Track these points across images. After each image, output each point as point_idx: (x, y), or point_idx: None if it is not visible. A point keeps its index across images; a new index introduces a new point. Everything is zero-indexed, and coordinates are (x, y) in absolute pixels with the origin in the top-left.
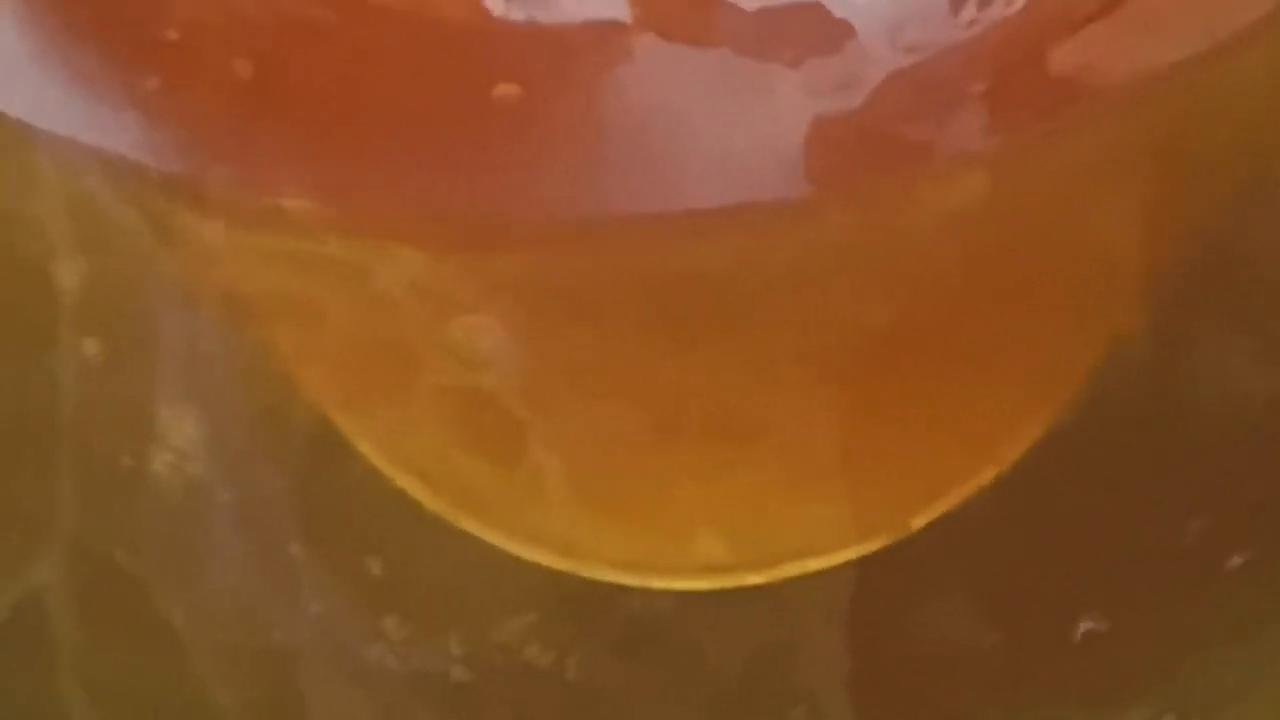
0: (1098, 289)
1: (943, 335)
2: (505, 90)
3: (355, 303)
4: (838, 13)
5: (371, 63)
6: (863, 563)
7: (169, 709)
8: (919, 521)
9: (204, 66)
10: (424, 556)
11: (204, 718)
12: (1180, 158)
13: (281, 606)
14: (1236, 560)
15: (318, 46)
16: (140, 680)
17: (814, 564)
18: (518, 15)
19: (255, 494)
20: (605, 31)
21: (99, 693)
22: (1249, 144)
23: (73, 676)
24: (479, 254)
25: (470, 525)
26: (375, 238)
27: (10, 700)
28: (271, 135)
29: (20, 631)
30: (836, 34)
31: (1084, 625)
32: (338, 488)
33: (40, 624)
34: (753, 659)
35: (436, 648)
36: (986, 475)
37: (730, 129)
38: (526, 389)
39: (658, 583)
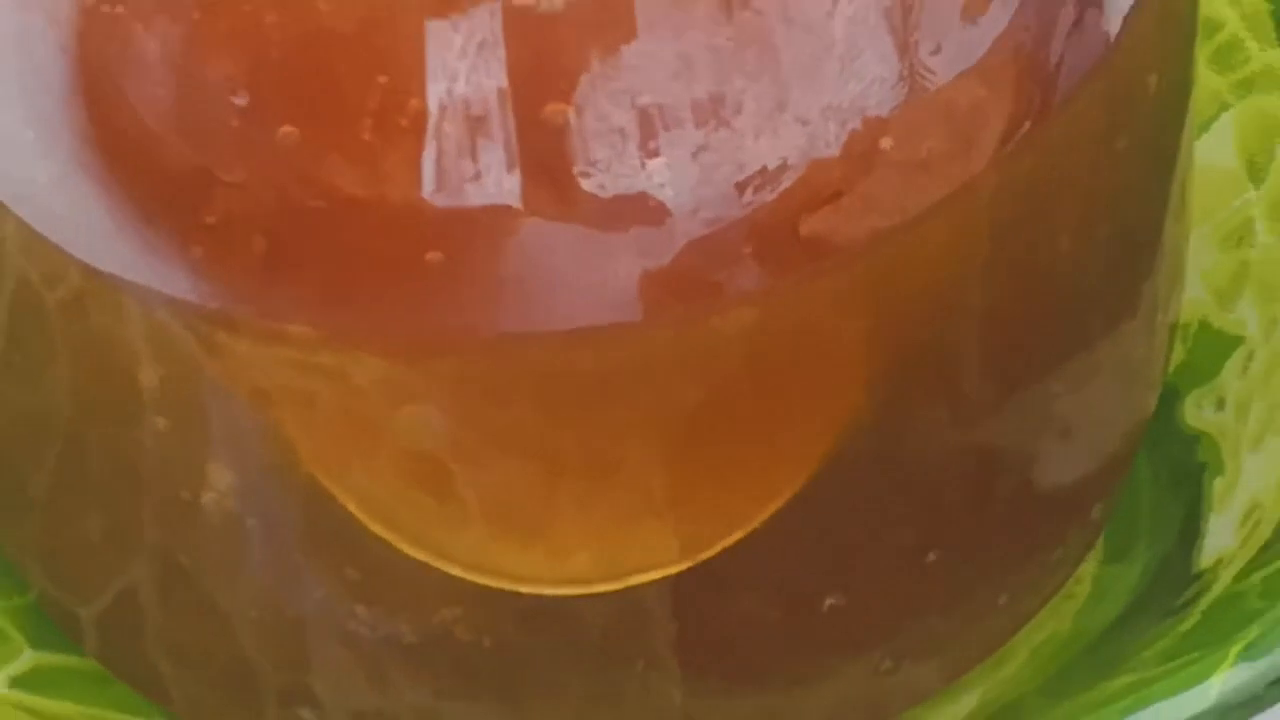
0: (840, 383)
1: (736, 417)
2: (433, 256)
3: (337, 393)
4: (657, 199)
5: (348, 235)
6: (686, 572)
7: (220, 662)
8: (725, 544)
9: (232, 240)
10: (383, 569)
11: (243, 667)
12: (894, 292)
13: (291, 594)
14: (932, 556)
15: (311, 225)
16: (201, 643)
17: (652, 575)
18: (444, 201)
19: (270, 521)
20: (502, 213)
21: (175, 653)
22: (938, 281)
23: (157, 643)
24: (420, 359)
25: (414, 549)
26: (350, 350)
27: (119, 661)
28: (279, 285)
29: (122, 613)
30: (657, 213)
31: (829, 601)
32: (324, 521)
33: (135, 607)
34: (608, 631)
35: (393, 626)
36: (766, 512)
37: (585, 276)
38: (453, 449)
39: (545, 590)
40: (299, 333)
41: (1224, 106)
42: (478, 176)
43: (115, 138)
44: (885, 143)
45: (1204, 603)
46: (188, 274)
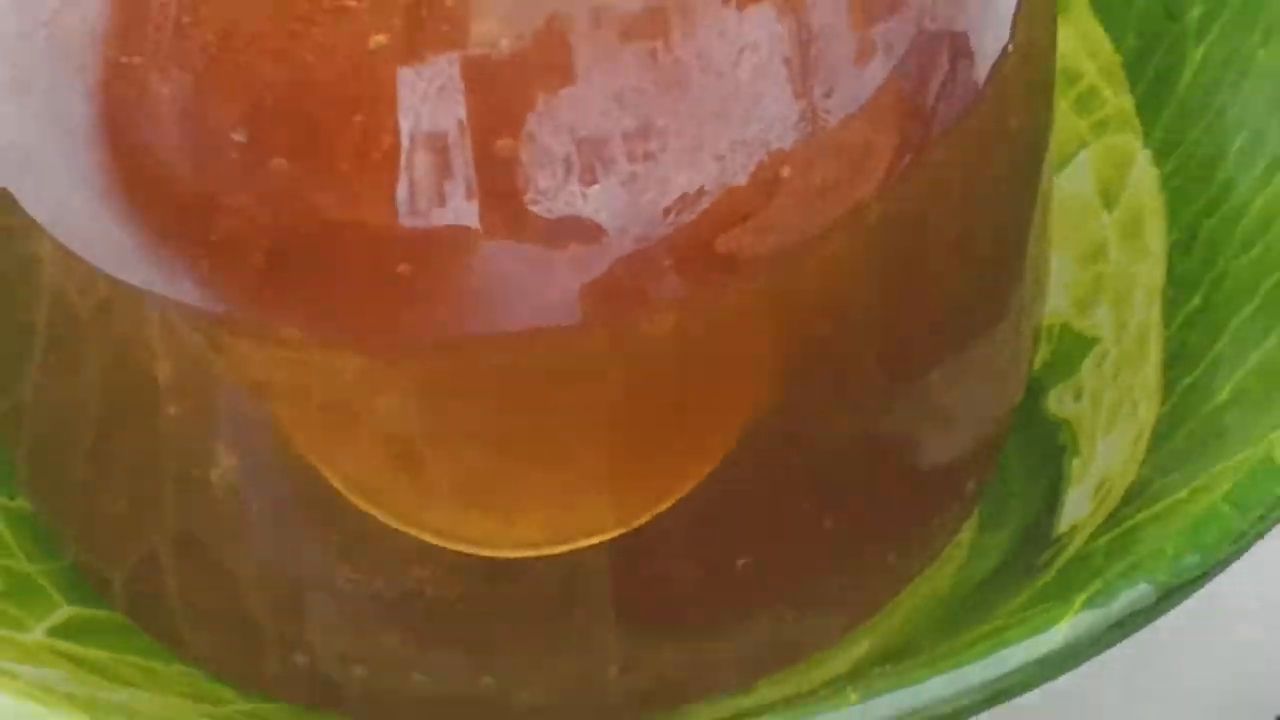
0: (749, 377)
1: (661, 407)
2: (404, 268)
3: (323, 386)
4: (593, 221)
5: (331, 251)
6: (620, 537)
7: (227, 615)
8: (652, 513)
9: (234, 256)
10: (363, 535)
11: (246, 619)
12: (794, 299)
13: (286, 556)
14: (829, 523)
15: (300, 243)
16: (211, 599)
17: (592, 540)
18: (413, 223)
19: (268, 494)
20: (462, 232)
21: (190, 608)
22: (833, 290)
23: (175, 599)
24: (392, 357)
25: (391, 519)
26: (334, 349)
27: (143, 615)
28: (273, 294)
29: (145, 574)
30: (594, 232)
31: (741, 561)
32: (313, 494)
33: (155, 569)
34: (555, 588)
35: (373, 584)
36: (687, 487)
37: (533, 286)
38: (421, 434)
39: (502, 553)
40: (290, 334)
41: (1083, 144)
42: (441, 202)
43: (135, 169)
44: (785, 172)
45: (1059, 561)
46: (196, 284)
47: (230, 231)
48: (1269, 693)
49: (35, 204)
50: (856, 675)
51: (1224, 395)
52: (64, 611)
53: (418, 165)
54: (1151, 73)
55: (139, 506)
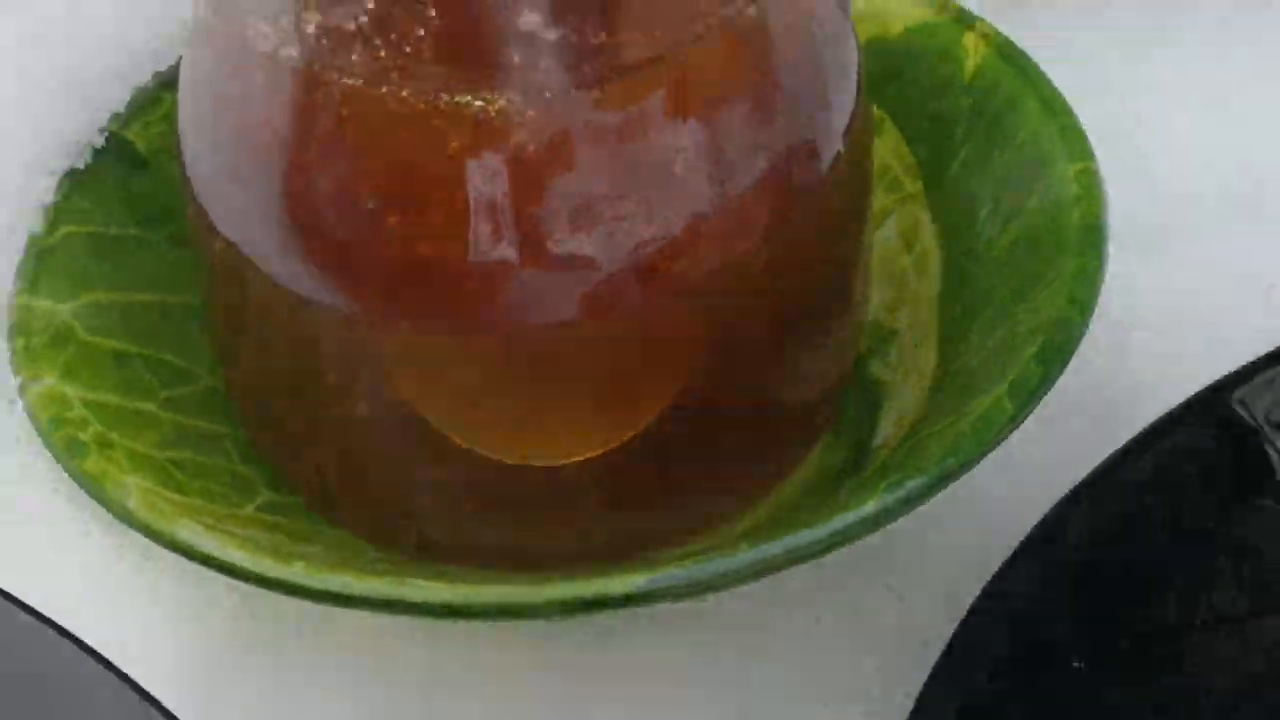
0: (675, 357)
1: (620, 376)
2: (470, 285)
3: (423, 357)
4: (586, 255)
5: (429, 274)
6: (600, 455)
7: (368, 500)
8: (618, 440)
9: (369, 277)
10: (447, 452)
11: (378, 501)
12: (708, 306)
13: (402, 464)
14: (723, 450)
15: (409, 270)
16: (356, 489)
17: (582, 455)
18: (478, 258)
19: (392, 425)
20: (508, 264)
21: (344, 496)
22: (732, 304)
23: (335, 490)
24: (463, 338)
25: (465, 442)
26: (427, 334)
27: (315, 502)
28: (392, 300)
29: (315, 475)
30: (587, 263)
31: (664, 476)
32: (417, 425)
33: (321, 472)
34: (553, 484)
35: (454, 479)
36: (640, 425)
37: (546, 295)
38: (471, 388)
39: (527, 463)
40: (401, 325)
41: (890, 212)
42: (494, 245)
43: (311, 223)
44: (704, 228)
45: (873, 465)
46: (345, 295)
47: (365, 262)
48: (996, 548)
49: (249, 248)
50: (746, 536)
51: (974, 364)
52: (265, 496)
53: (479, 222)
54: (931, 169)
55: (312, 433)
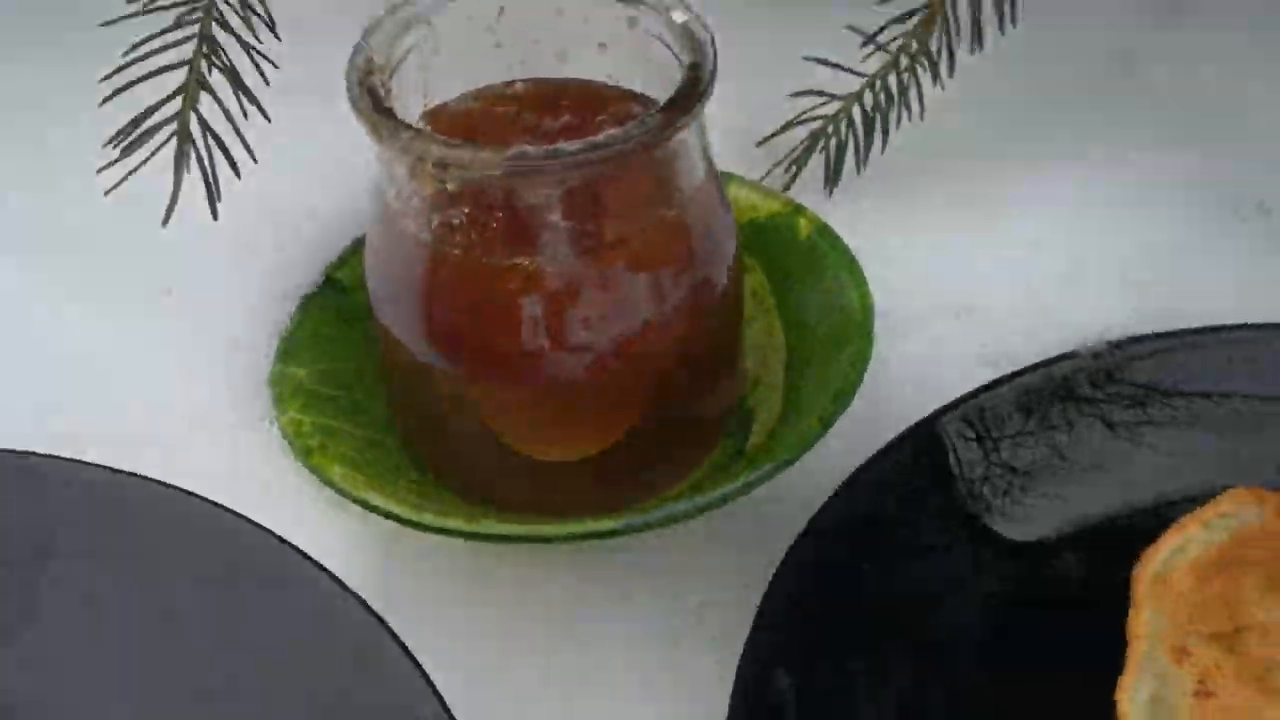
0: (639, 392)
1: (602, 406)
2: (521, 361)
3: (487, 399)
4: (584, 344)
5: (494, 356)
6: (595, 454)
7: (460, 470)
8: (601, 446)
9: (461, 354)
10: (501, 448)
11: (469, 469)
12: (654, 364)
13: (469, 437)
14: (675, 446)
15: (483, 353)
16: (454, 467)
17: (570, 458)
18: (527, 348)
19: (472, 432)
20: (541, 350)
21: (449, 467)
22: (666, 359)
23: (442, 465)
24: (512, 387)
25: (511, 441)
26: (490, 382)
27: (439, 473)
28: (475, 365)
29: (439, 459)
30: (583, 348)
31: (636, 457)
32: (484, 432)
33: (441, 456)
34: (573, 468)
35: (505, 460)
36: (605, 442)
37: (562, 362)
38: (520, 415)
39: (541, 459)
40: (479, 376)
41: (754, 318)
42: (534, 340)
43: (431, 322)
44: (653, 322)
45: (744, 459)
46: (448, 361)
47: (467, 348)
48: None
49: (404, 339)
50: (674, 498)
51: (801, 402)
52: (412, 476)
53: (525, 328)
54: (780, 294)
55: (437, 439)
